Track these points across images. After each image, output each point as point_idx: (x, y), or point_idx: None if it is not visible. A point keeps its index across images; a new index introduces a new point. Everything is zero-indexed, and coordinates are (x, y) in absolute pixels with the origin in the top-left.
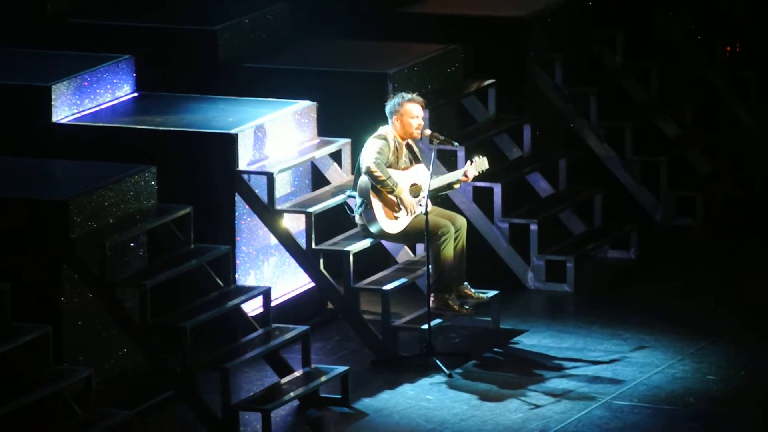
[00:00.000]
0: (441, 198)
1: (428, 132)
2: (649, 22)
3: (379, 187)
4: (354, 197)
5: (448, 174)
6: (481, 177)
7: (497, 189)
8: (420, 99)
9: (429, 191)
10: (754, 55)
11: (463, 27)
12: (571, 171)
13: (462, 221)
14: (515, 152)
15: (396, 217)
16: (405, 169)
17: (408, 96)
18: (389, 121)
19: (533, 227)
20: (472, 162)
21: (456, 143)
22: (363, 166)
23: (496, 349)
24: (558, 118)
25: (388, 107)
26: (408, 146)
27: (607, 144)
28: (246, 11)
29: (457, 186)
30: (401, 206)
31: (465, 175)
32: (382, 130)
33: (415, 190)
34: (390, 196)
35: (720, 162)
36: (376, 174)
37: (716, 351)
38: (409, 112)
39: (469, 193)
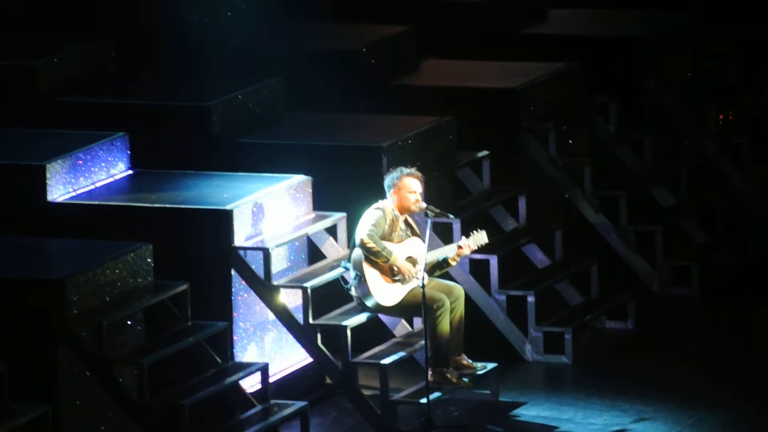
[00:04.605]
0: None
1: (423, 205)
2: (642, 90)
3: (374, 259)
4: (349, 269)
5: (443, 248)
6: (478, 249)
7: (494, 261)
8: (418, 174)
9: (425, 264)
10: (748, 122)
11: (455, 99)
12: (566, 241)
13: (459, 291)
14: (511, 224)
15: (392, 288)
16: (400, 242)
17: (407, 171)
18: (387, 194)
19: (530, 299)
20: (469, 236)
21: (451, 216)
22: (357, 238)
23: (495, 422)
24: (552, 188)
25: (387, 181)
26: (405, 221)
27: (601, 213)
28: (239, 86)
29: (453, 263)
30: (398, 275)
31: (459, 247)
32: (380, 203)
33: (410, 262)
34: (385, 267)
35: (715, 229)
36: (369, 246)
37: (715, 421)
38: (407, 187)
39: (465, 265)
